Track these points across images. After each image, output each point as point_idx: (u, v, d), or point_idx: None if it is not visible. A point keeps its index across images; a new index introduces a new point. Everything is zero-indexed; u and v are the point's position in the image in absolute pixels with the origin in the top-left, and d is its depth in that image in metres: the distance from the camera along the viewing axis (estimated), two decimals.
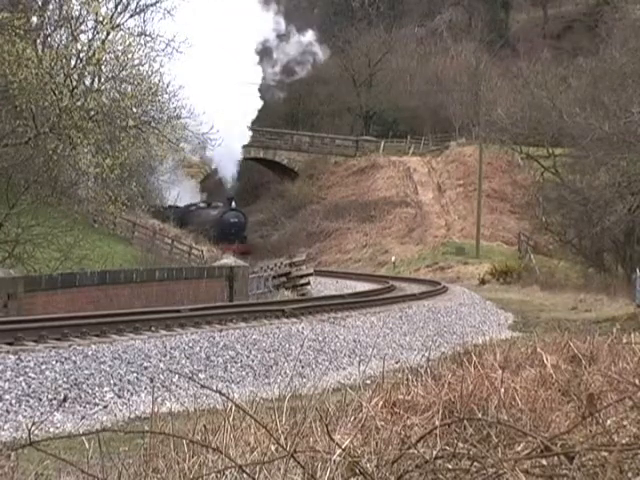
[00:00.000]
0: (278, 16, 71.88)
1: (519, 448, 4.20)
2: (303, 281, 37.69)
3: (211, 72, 50.50)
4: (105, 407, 12.64)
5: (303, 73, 77.55)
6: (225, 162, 62.17)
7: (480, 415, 5.16)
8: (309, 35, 77.10)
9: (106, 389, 13.31)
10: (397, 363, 11.53)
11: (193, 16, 46.31)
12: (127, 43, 30.55)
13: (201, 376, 15.03)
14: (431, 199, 66.52)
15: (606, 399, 5.24)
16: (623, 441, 4.06)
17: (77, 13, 31.37)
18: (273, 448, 4.54)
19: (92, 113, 29.08)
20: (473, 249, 55.76)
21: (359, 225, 65.83)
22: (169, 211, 57.21)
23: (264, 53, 70.31)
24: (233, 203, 61.08)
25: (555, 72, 57.14)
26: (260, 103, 64.57)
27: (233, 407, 5.18)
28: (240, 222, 59.87)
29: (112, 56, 30.31)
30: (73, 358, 13.90)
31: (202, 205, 62.28)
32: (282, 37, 73.69)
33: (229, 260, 33.28)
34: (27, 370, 12.98)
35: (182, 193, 59.54)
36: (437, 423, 4.63)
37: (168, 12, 35.29)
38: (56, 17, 31.55)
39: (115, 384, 13.54)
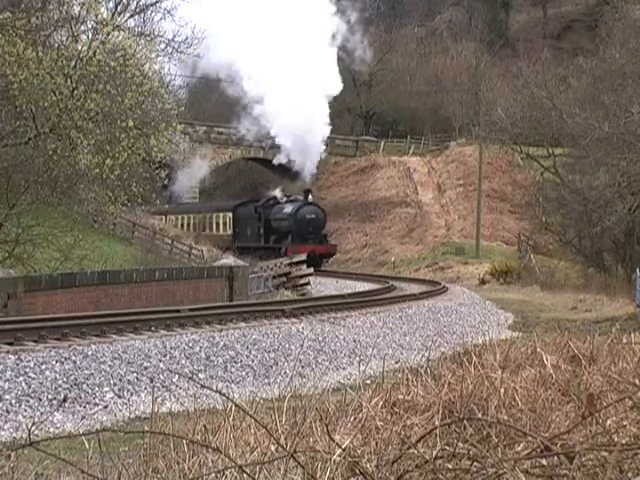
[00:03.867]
0: None
1: (519, 448, 4.21)
2: (303, 281, 37.66)
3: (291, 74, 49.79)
4: (105, 407, 12.64)
5: None
6: (303, 153, 56.18)
7: (480, 415, 5.16)
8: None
9: (106, 389, 13.30)
10: (397, 363, 11.55)
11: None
12: (127, 43, 30.53)
13: (201, 376, 15.03)
14: (431, 199, 66.51)
15: (606, 399, 5.24)
16: (623, 441, 4.06)
17: (77, 13, 31.37)
18: (273, 448, 4.54)
19: (92, 114, 29.03)
20: (473, 249, 55.74)
21: (359, 225, 65.78)
22: (247, 208, 53.79)
23: None
24: (310, 197, 53.18)
25: (555, 72, 57.11)
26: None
27: (233, 407, 5.18)
28: (318, 218, 51.66)
29: (112, 57, 30.28)
30: (73, 358, 13.89)
31: (283, 199, 54.90)
32: None
33: (229, 260, 33.29)
34: (27, 370, 12.97)
35: (184, 179, 56.50)
36: (437, 423, 4.63)
37: (168, 12, 35.30)
38: (56, 17, 31.50)
39: (115, 384, 13.53)
